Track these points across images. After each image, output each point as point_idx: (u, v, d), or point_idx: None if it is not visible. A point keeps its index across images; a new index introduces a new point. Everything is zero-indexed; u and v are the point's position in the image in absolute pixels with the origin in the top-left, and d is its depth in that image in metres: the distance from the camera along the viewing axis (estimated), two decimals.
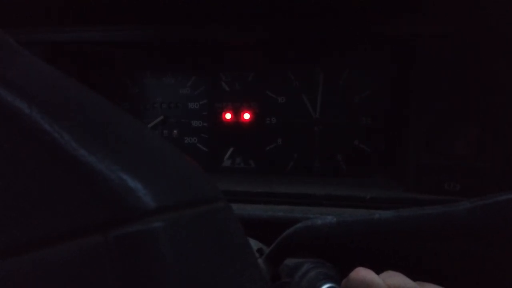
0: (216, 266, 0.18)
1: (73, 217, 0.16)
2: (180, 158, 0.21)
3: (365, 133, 0.57)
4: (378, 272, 0.29)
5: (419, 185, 0.45)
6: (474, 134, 0.44)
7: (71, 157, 0.16)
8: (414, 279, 0.29)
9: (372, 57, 0.55)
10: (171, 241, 0.16)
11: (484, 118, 0.44)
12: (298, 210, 0.43)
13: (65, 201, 0.16)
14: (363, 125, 0.57)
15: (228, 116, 0.61)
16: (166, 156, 0.21)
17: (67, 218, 0.16)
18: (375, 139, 0.57)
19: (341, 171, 0.58)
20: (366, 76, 0.56)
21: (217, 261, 0.18)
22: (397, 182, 0.51)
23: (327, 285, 0.34)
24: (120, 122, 0.21)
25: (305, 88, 0.58)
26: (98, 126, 0.19)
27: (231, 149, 0.61)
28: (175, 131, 0.62)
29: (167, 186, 0.18)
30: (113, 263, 0.15)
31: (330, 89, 0.57)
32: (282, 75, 0.58)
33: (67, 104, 0.19)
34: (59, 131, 0.17)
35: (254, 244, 0.40)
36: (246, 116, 0.60)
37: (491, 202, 0.26)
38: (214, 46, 0.56)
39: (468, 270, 0.30)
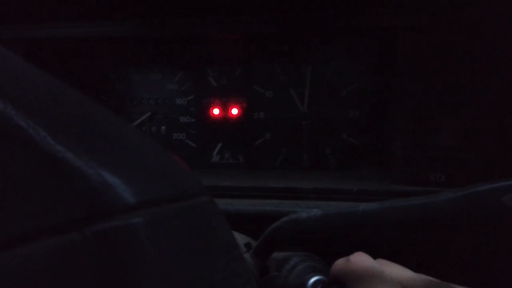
0: (199, 261, 0.18)
1: (50, 214, 0.15)
2: (161, 153, 0.21)
3: (353, 127, 0.57)
4: None
5: (405, 177, 0.45)
6: (458, 125, 0.44)
7: (47, 153, 0.16)
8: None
9: (358, 50, 0.55)
10: (151, 237, 0.16)
11: (468, 109, 0.44)
12: (286, 204, 0.44)
13: (41, 198, 0.16)
14: (351, 118, 0.57)
15: (216, 111, 0.60)
16: (146, 151, 0.21)
17: (44, 215, 0.16)
18: (363, 132, 0.57)
19: (329, 164, 0.58)
20: (353, 69, 0.56)
21: (199, 256, 0.18)
22: (385, 175, 0.51)
23: (316, 277, 0.34)
24: (98, 117, 0.21)
25: (292, 82, 0.58)
26: (75, 121, 0.18)
27: (219, 145, 0.61)
28: (163, 128, 0.61)
29: (147, 181, 0.18)
30: (91, 259, 0.15)
31: (317, 83, 0.57)
32: (269, 69, 0.58)
33: (43, 100, 0.19)
34: (34, 127, 0.16)
35: (242, 238, 0.40)
36: (234, 111, 0.60)
37: (472, 192, 0.26)
38: (200, 40, 0.55)
39: (452, 260, 0.30)
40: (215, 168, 0.61)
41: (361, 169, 0.56)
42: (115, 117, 0.21)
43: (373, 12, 0.44)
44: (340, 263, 0.30)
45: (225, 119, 0.60)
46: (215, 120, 0.60)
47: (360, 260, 0.27)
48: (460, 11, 0.42)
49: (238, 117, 0.60)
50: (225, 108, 0.60)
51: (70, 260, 0.15)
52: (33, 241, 0.15)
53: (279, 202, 0.44)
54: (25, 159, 0.16)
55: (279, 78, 0.58)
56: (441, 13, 0.42)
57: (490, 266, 0.28)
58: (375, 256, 0.30)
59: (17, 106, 0.16)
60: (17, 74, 0.20)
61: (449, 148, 0.44)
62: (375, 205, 0.30)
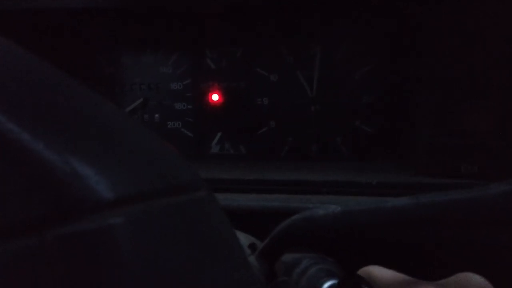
0: (195, 269, 0.15)
1: (1, 212, 0.12)
2: (148, 138, 0.18)
3: (367, 113, 0.54)
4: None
5: (431, 168, 0.42)
6: (491, 107, 0.40)
7: None
8: (433, 277, 0.25)
9: (374, 29, 0.51)
10: (133, 242, 0.13)
11: (503, 89, 0.40)
12: (295, 199, 0.40)
13: None
14: (365, 103, 0.53)
15: (215, 97, 0.57)
16: (130, 134, 0.17)
17: None
18: (378, 119, 0.53)
19: (341, 155, 0.55)
20: (367, 50, 0.52)
21: (196, 263, 0.15)
22: (404, 166, 0.47)
23: (330, 282, 0.31)
24: (67, 92, 0.17)
25: (300, 64, 0.54)
26: (35, 95, 0.15)
27: (219, 134, 0.58)
28: (156, 115, 0.58)
29: (129, 170, 0.15)
30: (52, 272, 0.12)
31: (327, 64, 0.54)
32: (274, 50, 0.54)
33: None
34: None
35: (246, 239, 0.37)
36: (235, 96, 0.56)
37: None
38: (195, 16, 0.51)
39: (498, 266, 0.26)
40: (214, 160, 0.58)
41: (375, 159, 0.53)
42: (90, 92, 0.18)
43: None
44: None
45: (225, 105, 0.57)
46: (214, 107, 0.57)
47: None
48: None
49: (239, 103, 0.57)
50: (225, 94, 0.57)
51: (25, 273, 0.12)
52: None
53: (287, 197, 0.40)
54: None
55: (284, 59, 0.55)
56: None
57: None
58: (397, 260, 0.26)
59: None
60: None
61: (481, 134, 0.40)
62: (408, 200, 0.26)
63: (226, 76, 0.56)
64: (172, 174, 0.17)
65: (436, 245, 0.29)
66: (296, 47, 0.54)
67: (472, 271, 0.28)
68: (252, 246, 0.36)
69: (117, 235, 0.12)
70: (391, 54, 0.52)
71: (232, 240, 0.18)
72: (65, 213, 0.12)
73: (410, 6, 0.44)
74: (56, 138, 0.13)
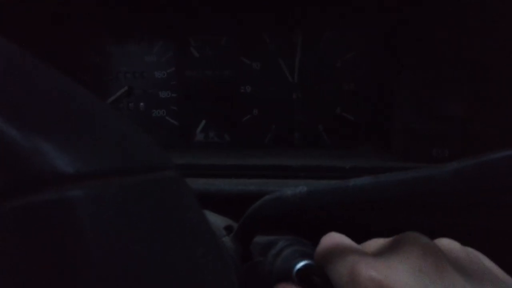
0: (157, 243, 0.15)
1: None
2: (117, 121, 0.18)
3: (348, 100, 0.53)
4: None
5: (405, 153, 0.42)
6: (463, 97, 0.40)
7: None
8: None
9: (356, 16, 0.51)
10: (94, 214, 0.13)
11: (474, 80, 0.40)
12: (272, 184, 0.40)
13: None
14: (346, 91, 0.53)
15: (198, 85, 0.56)
16: (93, 113, 0.17)
17: None
18: (359, 106, 0.53)
19: (323, 141, 0.55)
20: (349, 38, 0.52)
21: (158, 238, 0.15)
22: (383, 152, 0.47)
23: (303, 262, 0.31)
24: (29, 71, 0.17)
25: (282, 52, 0.54)
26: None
27: (203, 122, 0.57)
28: (141, 104, 0.57)
29: (91, 148, 0.15)
30: (10, 240, 0.12)
31: (309, 52, 0.53)
32: (257, 38, 0.54)
33: None
34: None
35: (223, 221, 0.37)
36: (219, 85, 0.56)
37: (481, 161, 0.22)
38: (179, 5, 0.51)
39: (452, 235, 0.27)
40: (198, 148, 0.57)
41: (357, 146, 0.53)
42: (54, 71, 0.17)
43: None
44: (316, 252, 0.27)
45: (209, 93, 0.56)
46: (198, 95, 0.57)
47: (331, 240, 0.24)
48: None
49: (223, 91, 0.56)
50: (208, 82, 0.56)
51: None
52: None
53: (265, 182, 0.40)
54: None
55: (267, 47, 0.54)
56: None
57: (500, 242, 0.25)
58: (364, 238, 0.26)
59: None
60: None
61: (454, 120, 0.40)
62: (367, 179, 0.26)
63: (210, 65, 0.55)
64: (137, 154, 0.17)
65: (400, 223, 0.30)
66: (279, 35, 0.53)
67: None
68: (228, 228, 0.36)
69: (76, 206, 0.12)
70: (372, 42, 0.51)
71: (198, 218, 0.18)
72: (24, 185, 0.12)
73: None
74: (17, 115, 0.13)
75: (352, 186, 0.26)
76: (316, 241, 0.33)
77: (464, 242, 0.27)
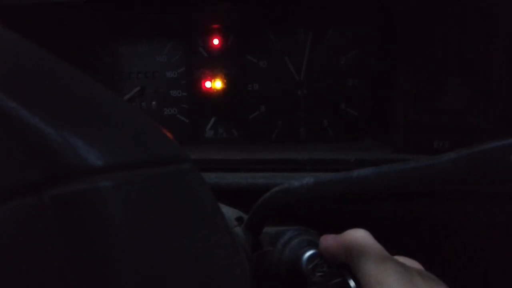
0: (177, 230, 0.16)
1: (2, 177, 0.14)
2: (136, 115, 0.19)
3: (352, 96, 0.54)
4: None
5: (407, 145, 0.43)
6: (464, 88, 0.41)
7: None
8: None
9: (359, 13, 0.52)
10: (121, 203, 0.14)
11: (475, 71, 0.41)
12: (280, 177, 0.42)
13: None
14: (350, 87, 0.54)
15: (208, 84, 0.58)
16: (119, 111, 0.19)
17: None
18: (363, 101, 0.54)
19: (328, 137, 0.56)
20: (353, 35, 0.53)
21: (177, 226, 0.16)
22: (386, 145, 0.49)
23: (311, 251, 0.33)
24: (61, 74, 0.19)
25: (287, 50, 0.55)
26: (33, 77, 0.16)
27: (213, 119, 0.59)
28: (153, 103, 0.59)
29: (118, 143, 0.16)
30: (50, 226, 0.13)
31: (314, 50, 0.54)
32: (262, 37, 0.55)
33: None
34: None
35: (234, 212, 0.38)
36: (227, 83, 0.57)
37: (477, 151, 0.24)
38: (187, 6, 0.52)
39: (453, 226, 0.28)
40: (208, 143, 0.59)
41: (362, 140, 0.54)
42: (83, 74, 0.19)
43: None
44: (331, 237, 0.28)
45: (218, 92, 0.58)
46: (207, 94, 0.58)
47: (361, 235, 0.25)
48: None
49: (231, 89, 0.58)
50: (217, 80, 0.58)
51: (26, 227, 0.14)
52: None
53: (273, 175, 0.42)
54: None
55: (273, 46, 0.55)
56: None
57: (495, 229, 0.26)
58: (368, 226, 0.28)
59: None
60: None
61: (453, 113, 0.41)
62: (370, 170, 0.28)
63: (218, 64, 0.57)
64: (158, 148, 0.18)
65: (402, 212, 0.31)
66: (284, 33, 0.54)
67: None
68: (239, 219, 0.38)
69: (106, 195, 0.14)
70: (375, 39, 0.52)
71: (212, 207, 0.20)
72: (59, 177, 0.14)
73: None
74: (51, 114, 0.15)
75: (356, 176, 0.28)
76: (322, 230, 0.34)
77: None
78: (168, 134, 0.20)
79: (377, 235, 0.27)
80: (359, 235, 0.25)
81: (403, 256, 0.26)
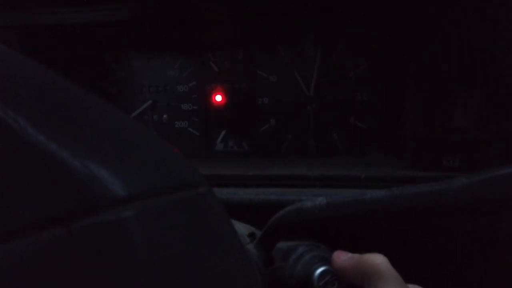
0: (196, 255, 0.17)
1: (32, 210, 0.14)
2: (153, 141, 0.20)
3: (362, 110, 0.55)
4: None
5: (417, 162, 0.43)
6: (474, 105, 0.42)
7: (28, 145, 0.15)
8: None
9: (368, 28, 0.53)
10: (143, 231, 0.15)
11: (484, 89, 0.41)
12: (290, 193, 0.42)
13: (22, 193, 0.15)
14: (359, 101, 0.55)
15: (218, 98, 0.59)
16: (137, 138, 0.19)
17: (25, 211, 0.15)
18: (372, 116, 0.55)
19: (337, 150, 0.56)
20: (361, 49, 0.53)
21: (197, 250, 0.17)
22: (396, 160, 0.49)
23: (323, 268, 0.33)
24: (84, 105, 0.19)
25: (297, 65, 0.56)
26: (59, 110, 0.17)
27: (223, 132, 0.59)
28: (165, 116, 0.60)
29: (138, 171, 0.16)
30: (78, 257, 0.14)
31: (324, 64, 0.55)
32: (272, 52, 0.56)
33: (24, 88, 0.17)
34: (13, 117, 0.15)
35: (246, 228, 0.39)
36: (237, 97, 0.58)
37: (489, 177, 0.24)
38: (199, 22, 0.53)
39: (464, 250, 0.28)
40: (218, 156, 0.60)
41: (370, 154, 0.54)
42: (104, 104, 0.20)
43: None
44: (346, 256, 0.29)
45: (228, 105, 0.59)
46: (218, 107, 0.59)
47: (380, 261, 0.26)
48: None
49: (241, 103, 0.58)
50: (227, 94, 0.58)
51: (55, 259, 0.14)
52: (14, 239, 0.14)
53: (284, 191, 0.42)
54: (4, 152, 0.15)
55: (283, 61, 0.56)
56: None
57: (506, 255, 0.27)
58: (379, 246, 0.28)
59: None
60: None
61: (463, 130, 0.42)
62: (383, 193, 0.28)
63: (229, 78, 0.58)
64: (176, 174, 0.19)
65: (413, 233, 0.32)
66: (294, 48, 0.55)
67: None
68: (251, 235, 0.38)
69: (129, 225, 0.14)
70: (384, 53, 0.53)
71: (229, 229, 0.20)
72: (86, 208, 0.14)
73: (404, 4, 0.45)
74: (77, 147, 0.15)
75: (369, 198, 0.29)
76: (333, 246, 0.35)
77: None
78: (184, 158, 0.21)
79: (386, 251, 0.27)
80: (379, 262, 0.25)
81: (416, 284, 0.26)
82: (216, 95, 0.59)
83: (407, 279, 0.26)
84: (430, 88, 0.43)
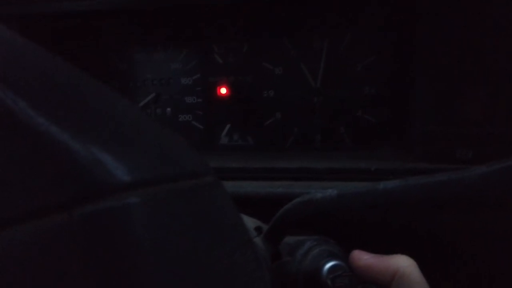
0: (203, 245, 0.16)
1: (31, 195, 0.14)
2: (160, 130, 0.19)
3: (369, 103, 0.54)
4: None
5: (428, 154, 0.42)
6: (486, 96, 0.40)
7: (27, 127, 0.14)
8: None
9: (376, 19, 0.51)
10: (148, 219, 0.14)
11: (497, 79, 0.40)
12: (298, 186, 0.42)
13: (22, 177, 0.14)
14: (367, 94, 0.54)
15: (223, 90, 0.58)
16: (144, 126, 0.19)
17: (24, 196, 0.14)
18: (380, 109, 0.54)
19: (344, 144, 0.56)
20: (370, 41, 0.52)
21: (203, 241, 0.16)
22: (405, 153, 0.48)
23: (332, 263, 0.32)
24: (88, 89, 0.19)
25: (303, 57, 0.55)
26: (61, 92, 0.16)
27: (228, 126, 0.59)
28: (168, 109, 0.59)
29: (144, 158, 0.16)
30: (80, 244, 0.13)
31: (330, 56, 0.54)
32: (278, 44, 0.55)
33: (24, 69, 0.17)
34: (13, 98, 0.14)
35: (252, 222, 0.38)
36: (242, 90, 0.57)
37: (508, 166, 0.23)
38: (202, 13, 0.52)
39: (481, 243, 0.27)
40: (223, 150, 0.59)
41: (379, 148, 0.53)
42: (108, 89, 0.19)
43: None
44: (369, 256, 0.28)
45: (233, 98, 0.58)
46: (223, 100, 0.58)
47: (409, 264, 0.25)
48: None
49: (246, 96, 0.57)
50: (232, 87, 0.58)
51: (56, 246, 0.14)
52: (14, 225, 0.14)
53: (291, 184, 0.42)
54: (3, 134, 0.14)
55: (289, 53, 0.55)
56: None
57: None
58: (392, 240, 0.27)
59: None
60: None
61: (476, 122, 0.41)
62: (397, 182, 0.27)
63: (233, 70, 0.57)
64: (182, 162, 0.18)
65: (429, 226, 0.31)
66: (299, 40, 0.54)
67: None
68: (258, 229, 0.38)
69: (133, 212, 0.14)
70: (392, 46, 0.52)
71: (236, 220, 0.19)
72: (89, 194, 0.13)
73: None
74: (79, 130, 0.15)
75: (383, 189, 0.27)
76: (343, 240, 0.34)
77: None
78: (191, 147, 0.20)
79: (396, 248, 0.27)
80: (408, 264, 0.25)
81: (429, 283, 0.25)
82: (220, 88, 0.58)
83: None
84: (441, 81, 0.42)
